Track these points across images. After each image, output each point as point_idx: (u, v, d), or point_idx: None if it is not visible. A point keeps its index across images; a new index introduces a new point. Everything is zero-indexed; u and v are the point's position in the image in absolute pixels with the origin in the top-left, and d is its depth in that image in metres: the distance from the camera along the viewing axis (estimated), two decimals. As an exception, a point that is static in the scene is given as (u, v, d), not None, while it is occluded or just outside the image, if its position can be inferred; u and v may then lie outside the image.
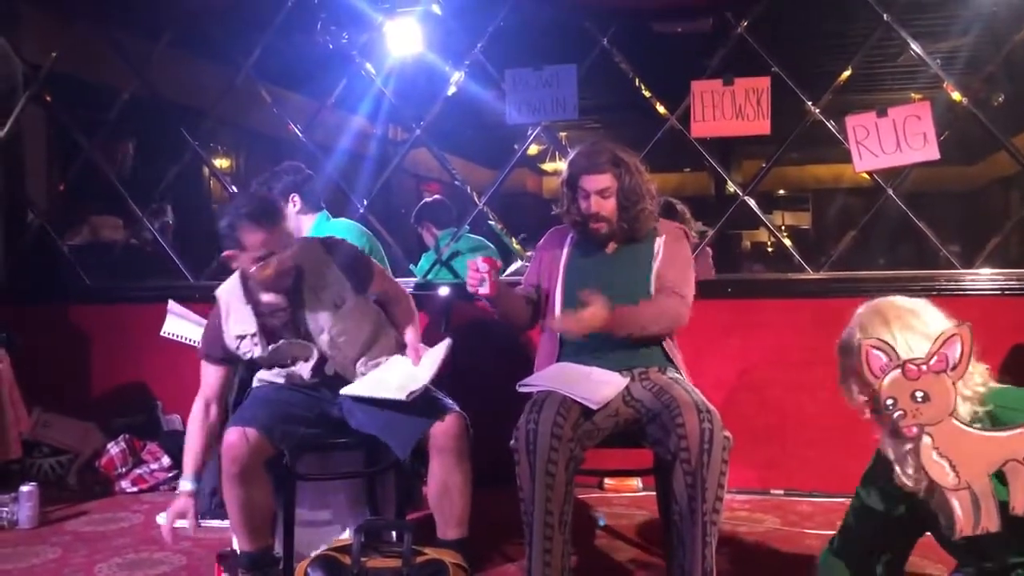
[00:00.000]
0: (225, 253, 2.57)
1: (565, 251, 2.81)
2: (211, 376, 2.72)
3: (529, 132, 4.25)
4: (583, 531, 3.24)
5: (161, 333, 3.58)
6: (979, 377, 1.69)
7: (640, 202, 2.71)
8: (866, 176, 3.87)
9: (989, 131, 3.78)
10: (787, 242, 4.17)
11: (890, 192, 3.78)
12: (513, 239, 4.49)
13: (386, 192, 4.69)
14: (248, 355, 2.67)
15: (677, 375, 2.63)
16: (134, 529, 3.40)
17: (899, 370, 1.60)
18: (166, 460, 4.02)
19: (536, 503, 2.30)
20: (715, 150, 4.39)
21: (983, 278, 3.63)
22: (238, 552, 2.54)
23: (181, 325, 3.57)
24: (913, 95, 5.89)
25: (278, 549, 2.59)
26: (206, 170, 5.94)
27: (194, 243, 4.93)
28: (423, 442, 2.45)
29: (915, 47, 3.82)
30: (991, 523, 1.58)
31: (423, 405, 2.51)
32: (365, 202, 4.33)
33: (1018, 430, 1.58)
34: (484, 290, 2.59)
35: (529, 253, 4.40)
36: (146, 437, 4.14)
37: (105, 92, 4.79)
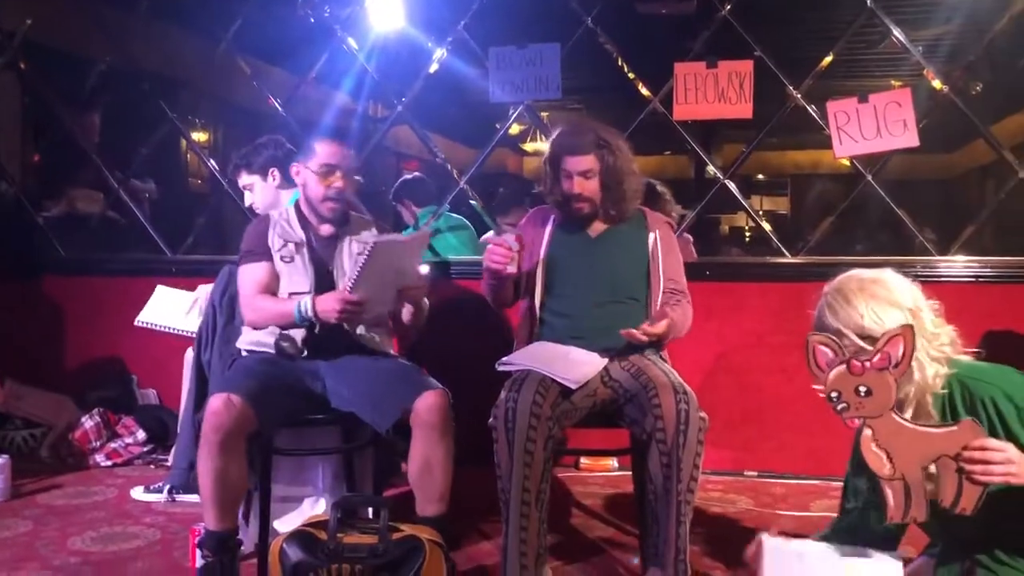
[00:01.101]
0: (293, 166, 2.80)
1: (547, 231, 2.81)
2: (256, 273, 2.73)
3: (511, 111, 4.23)
4: (559, 510, 3.26)
5: (136, 322, 3.54)
6: (945, 338, 1.76)
7: (624, 182, 2.71)
8: (844, 162, 3.89)
9: (968, 119, 3.81)
10: (766, 226, 4.19)
11: (869, 178, 3.80)
12: (498, 219, 4.47)
13: (367, 168, 4.64)
14: (286, 260, 2.72)
15: (655, 356, 2.64)
16: (108, 503, 3.38)
17: (844, 365, 1.67)
18: (141, 434, 4.00)
19: (514, 481, 2.31)
20: (696, 133, 4.39)
21: (958, 265, 3.66)
22: (204, 531, 2.48)
23: (158, 313, 3.54)
24: (894, 82, 5.93)
25: (241, 536, 2.57)
26: (184, 143, 5.88)
27: (172, 216, 4.89)
28: (404, 418, 2.44)
29: (898, 34, 3.83)
30: (920, 513, 1.67)
31: (406, 381, 2.52)
32: (360, 180, 4.28)
33: (952, 427, 1.65)
34: (512, 269, 2.60)
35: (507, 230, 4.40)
36: (121, 411, 4.12)
37: (82, 61, 4.72)
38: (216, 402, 2.39)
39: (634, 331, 2.47)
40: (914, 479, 1.66)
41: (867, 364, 1.65)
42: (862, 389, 1.65)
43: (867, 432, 1.67)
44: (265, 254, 2.75)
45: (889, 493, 1.68)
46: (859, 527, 1.93)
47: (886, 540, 1.89)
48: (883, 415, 1.66)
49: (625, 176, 2.72)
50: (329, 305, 2.55)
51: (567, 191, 2.71)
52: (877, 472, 1.68)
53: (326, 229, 2.81)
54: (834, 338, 1.71)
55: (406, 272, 2.64)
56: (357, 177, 2.83)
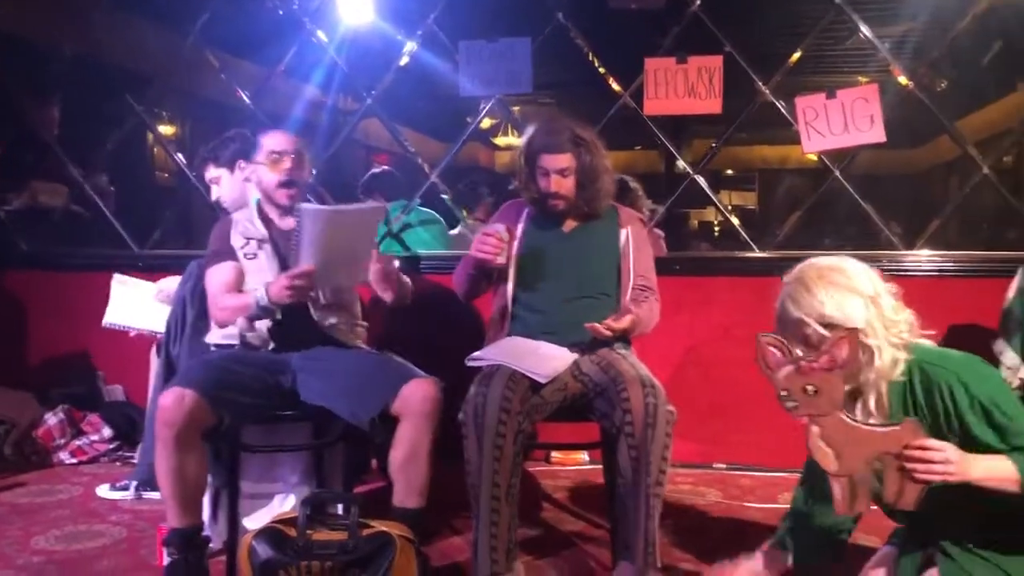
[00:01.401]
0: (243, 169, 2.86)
1: (521, 226, 2.81)
2: (222, 273, 2.72)
3: (482, 105, 4.23)
4: (530, 503, 3.26)
5: (103, 324, 3.49)
6: (904, 325, 1.80)
7: (598, 180, 2.73)
8: (812, 157, 3.92)
9: (933, 115, 3.86)
10: (735, 221, 4.22)
11: (837, 173, 3.84)
12: (465, 211, 4.46)
13: (336, 162, 4.62)
14: (249, 257, 2.72)
15: (624, 351, 2.65)
16: (73, 501, 3.33)
17: (792, 366, 1.72)
18: (107, 431, 3.95)
19: (483, 476, 2.31)
20: (666, 128, 4.41)
21: (923, 259, 3.71)
22: (168, 529, 2.45)
23: (124, 312, 3.49)
24: (861, 78, 5.99)
25: (208, 534, 2.55)
26: (151, 137, 5.80)
27: (138, 211, 4.82)
28: (384, 411, 2.42)
29: (865, 31, 3.87)
30: (864, 507, 1.75)
31: (387, 373, 2.51)
32: (314, 172, 4.25)
33: (895, 427, 1.70)
34: (501, 260, 2.61)
35: (479, 224, 4.38)
36: (86, 408, 4.06)
37: (45, 52, 4.64)
38: (166, 398, 2.37)
39: (598, 326, 2.48)
40: (860, 475, 1.71)
41: (813, 366, 1.70)
42: (810, 389, 1.70)
43: (814, 429, 1.72)
44: (230, 253, 2.74)
45: (836, 488, 1.74)
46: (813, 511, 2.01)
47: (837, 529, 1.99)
48: (830, 414, 1.71)
49: (600, 174, 2.73)
50: (278, 285, 2.51)
51: (543, 189, 2.72)
52: (825, 468, 1.73)
53: (287, 223, 2.77)
54: (782, 339, 1.76)
55: (359, 246, 2.59)
56: (307, 162, 2.81)
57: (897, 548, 1.97)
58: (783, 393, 1.73)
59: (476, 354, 2.55)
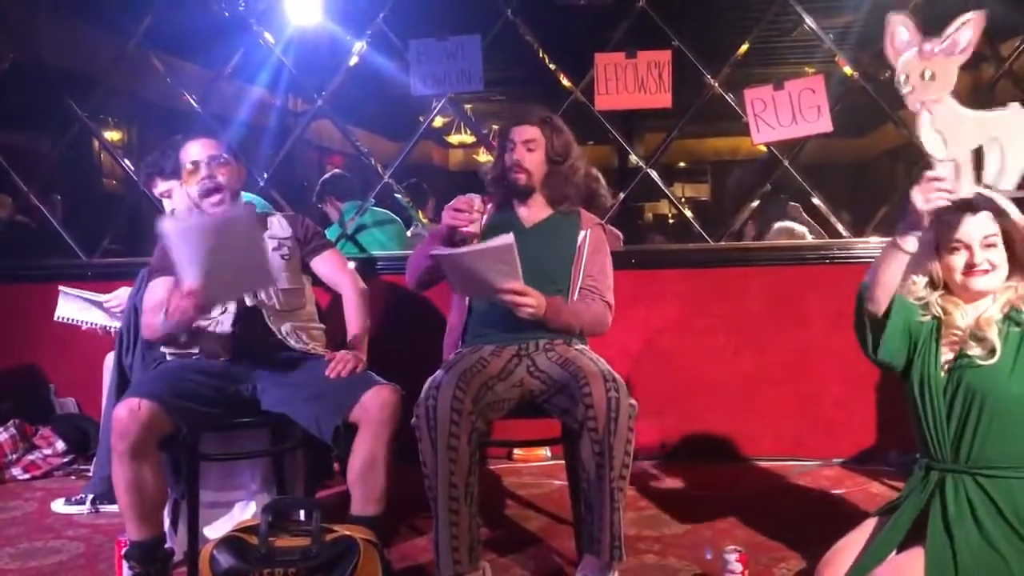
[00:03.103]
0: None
1: (483, 220, 2.80)
2: (156, 291, 2.65)
3: (434, 104, 4.21)
4: (493, 502, 3.27)
5: (55, 318, 3.43)
6: None
7: (570, 160, 2.76)
8: (763, 148, 3.98)
9: (879, 104, 3.93)
10: (688, 213, 4.26)
11: (786, 164, 3.89)
12: (420, 212, 4.44)
13: (288, 165, 4.57)
14: None
15: (582, 346, 2.67)
16: (28, 518, 3.26)
17: (915, 49, 1.83)
18: (60, 445, 3.87)
19: (440, 478, 2.30)
20: (618, 123, 4.44)
21: (873, 246, 3.78)
22: (128, 542, 2.41)
23: (75, 308, 3.43)
24: (808, 69, 6.07)
25: (171, 545, 2.51)
26: (96, 143, 5.69)
27: (86, 220, 4.73)
28: (347, 418, 2.40)
29: (809, 22, 3.93)
30: (968, 189, 1.82)
31: (347, 382, 2.48)
32: (266, 175, 4.21)
33: (1003, 111, 1.82)
34: (474, 229, 2.58)
35: (435, 225, 4.37)
36: (38, 421, 3.98)
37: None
38: (120, 409, 2.33)
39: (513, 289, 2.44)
40: (963, 159, 1.80)
41: (935, 50, 1.80)
42: (927, 73, 1.80)
43: (926, 115, 1.82)
44: (167, 270, 2.64)
45: (941, 171, 1.80)
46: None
47: None
48: (942, 100, 1.81)
49: (572, 154, 2.76)
50: (173, 305, 2.43)
51: (508, 160, 2.74)
52: (933, 155, 1.82)
53: None
54: (912, 20, 1.87)
55: (246, 250, 2.43)
56: (232, 163, 2.73)
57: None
58: (902, 77, 1.83)
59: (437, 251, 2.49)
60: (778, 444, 3.73)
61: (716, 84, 3.93)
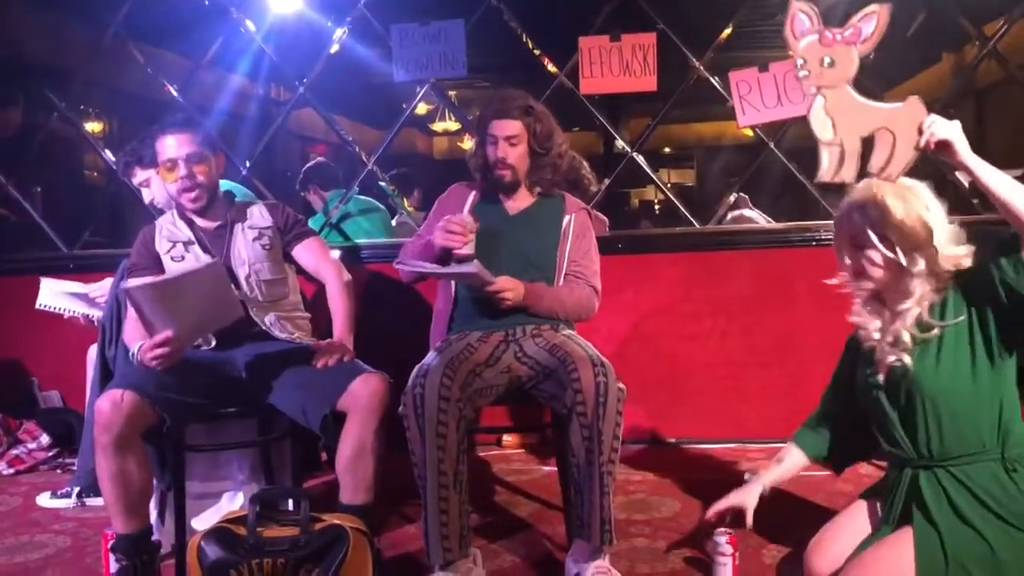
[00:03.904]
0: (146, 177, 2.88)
1: (467, 208, 2.79)
2: (132, 334, 2.58)
3: (417, 90, 4.18)
4: (483, 488, 3.26)
5: (36, 306, 3.39)
6: (951, 265, 1.86)
7: (554, 148, 2.74)
8: (748, 133, 3.97)
9: (863, 87, 3.91)
10: (674, 199, 4.25)
11: (771, 146, 3.89)
12: (404, 200, 4.42)
13: (270, 154, 4.55)
14: (177, 260, 2.67)
15: (569, 331, 2.66)
16: (13, 512, 3.23)
17: (816, 36, 1.81)
18: (45, 439, 3.84)
19: (428, 465, 2.29)
20: (603, 108, 4.42)
21: (858, 228, 3.78)
22: (115, 535, 2.39)
23: (56, 297, 3.40)
24: (791, 52, 6.07)
25: (158, 537, 2.50)
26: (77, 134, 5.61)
27: (66, 211, 4.68)
28: (334, 407, 2.39)
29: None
30: (849, 176, 1.81)
31: (335, 371, 2.46)
32: (248, 164, 4.18)
33: (898, 105, 1.79)
34: (468, 251, 2.57)
35: (421, 213, 4.35)
36: (22, 415, 3.94)
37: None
38: (103, 402, 2.31)
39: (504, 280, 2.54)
40: (851, 146, 1.79)
41: (837, 37, 1.78)
42: (827, 60, 1.79)
43: (819, 100, 1.80)
44: (150, 267, 2.67)
45: (826, 155, 1.81)
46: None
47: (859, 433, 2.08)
48: (839, 87, 1.79)
49: (553, 145, 2.74)
50: (143, 354, 2.38)
51: (491, 156, 2.72)
52: (819, 136, 1.81)
53: (208, 223, 2.75)
54: (814, 8, 1.83)
55: (213, 295, 2.44)
56: (211, 157, 2.71)
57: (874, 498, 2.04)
58: (800, 62, 1.81)
59: (401, 261, 2.68)
60: (767, 426, 3.73)
61: (701, 67, 3.92)
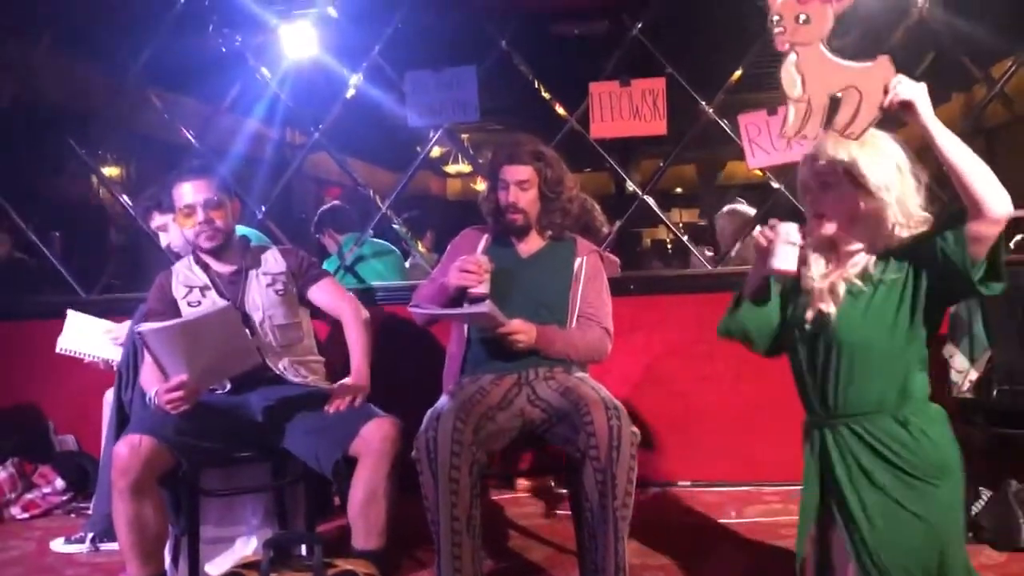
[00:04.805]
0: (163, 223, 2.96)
1: (480, 252, 2.81)
2: (149, 380, 2.63)
3: (431, 135, 4.23)
4: (496, 533, 3.24)
5: (57, 349, 3.41)
6: (910, 223, 1.87)
7: (564, 192, 2.76)
8: (758, 172, 3.99)
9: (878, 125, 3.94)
10: (685, 239, 4.27)
11: (781, 188, 3.90)
12: (419, 242, 4.44)
13: (286, 197, 4.60)
14: (193, 304, 2.70)
15: (582, 374, 2.66)
16: (26, 557, 3.23)
17: None
18: (59, 483, 3.84)
19: (441, 510, 2.29)
20: (614, 150, 4.45)
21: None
22: None
23: (78, 339, 3.41)
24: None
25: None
26: (95, 179, 5.71)
27: (85, 256, 4.73)
28: (347, 452, 2.40)
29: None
30: (812, 132, 1.83)
31: (347, 416, 2.47)
32: (263, 208, 4.22)
33: (868, 64, 1.79)
34: (484, 289, 2.60)
35: (434, 255, 4.38)
36: (37, 460, 3.94)
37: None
38: (121, 446, 2.33)
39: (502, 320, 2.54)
40: (818, 103, 1.81)
41: None
42: (802, 17, 1.80)
43: (792, 56, 1.81)
44: (167, 312, 2.70)
45: (792, 111, 1.83)
46: None
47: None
48: (812, 44, 1.79)
49: (565, 187, 2.77)
50: (159, 399, 2.43)
51: (503, 201, 2.74)
52: (787, 91, 1.82)
53: (224, 267, 2.79)
54: None
55: (228, 339, 2.48)
56: (227, 202, 2.77)
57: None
58: (775, 18, 1.82)
59: (416, 305, 2.69)
60: (782, 469, 3.69)
61: (711, 110, 3.96)
